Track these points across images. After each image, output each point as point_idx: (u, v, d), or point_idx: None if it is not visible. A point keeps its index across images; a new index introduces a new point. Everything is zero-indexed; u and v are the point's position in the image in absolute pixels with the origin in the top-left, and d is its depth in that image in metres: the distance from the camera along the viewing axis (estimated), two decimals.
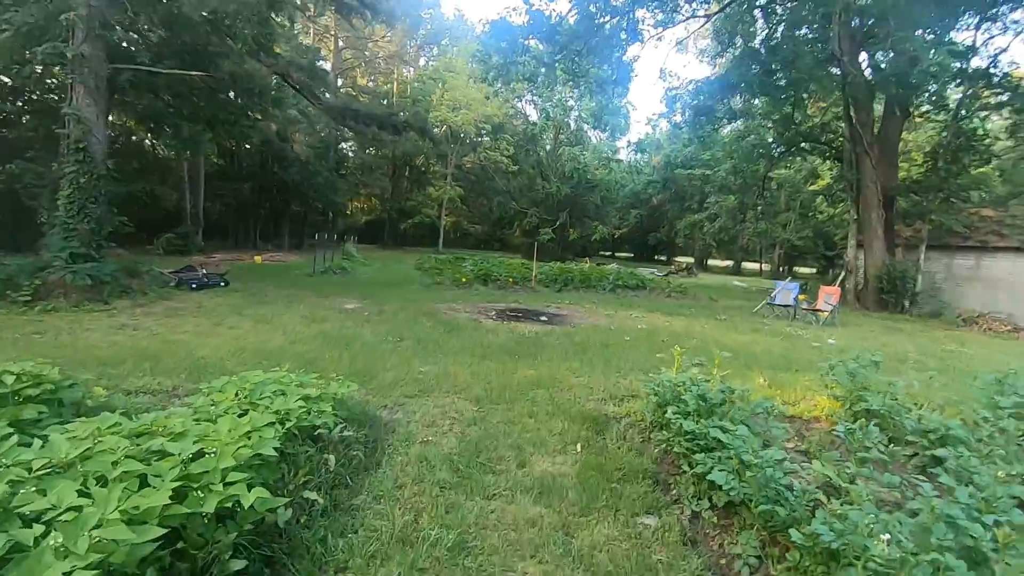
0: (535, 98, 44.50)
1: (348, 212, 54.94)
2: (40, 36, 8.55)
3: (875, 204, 14.04)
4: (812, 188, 32.93)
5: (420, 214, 43.74)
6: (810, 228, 38.21)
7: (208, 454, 2.52)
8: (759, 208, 22.00)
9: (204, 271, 12.07)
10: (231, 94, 11.20)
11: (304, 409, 3.43)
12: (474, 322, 9.39)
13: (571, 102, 42.31)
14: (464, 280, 15.68)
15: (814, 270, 57.32)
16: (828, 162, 18.81)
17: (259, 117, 11.78)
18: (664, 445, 3.78)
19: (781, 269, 42.27)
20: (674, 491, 3.48)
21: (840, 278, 14.78)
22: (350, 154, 48.32)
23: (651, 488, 3.47)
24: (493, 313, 10.69)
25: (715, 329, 10.10)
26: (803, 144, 18.23)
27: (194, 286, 11.10)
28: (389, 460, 3.67)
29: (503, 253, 44.58)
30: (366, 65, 45.98)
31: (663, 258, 63.41)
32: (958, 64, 11.40)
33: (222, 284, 11.90)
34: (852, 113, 13.91)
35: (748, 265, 51.09)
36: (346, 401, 4.11)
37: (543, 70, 18.43)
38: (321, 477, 3.18)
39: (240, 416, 3.19)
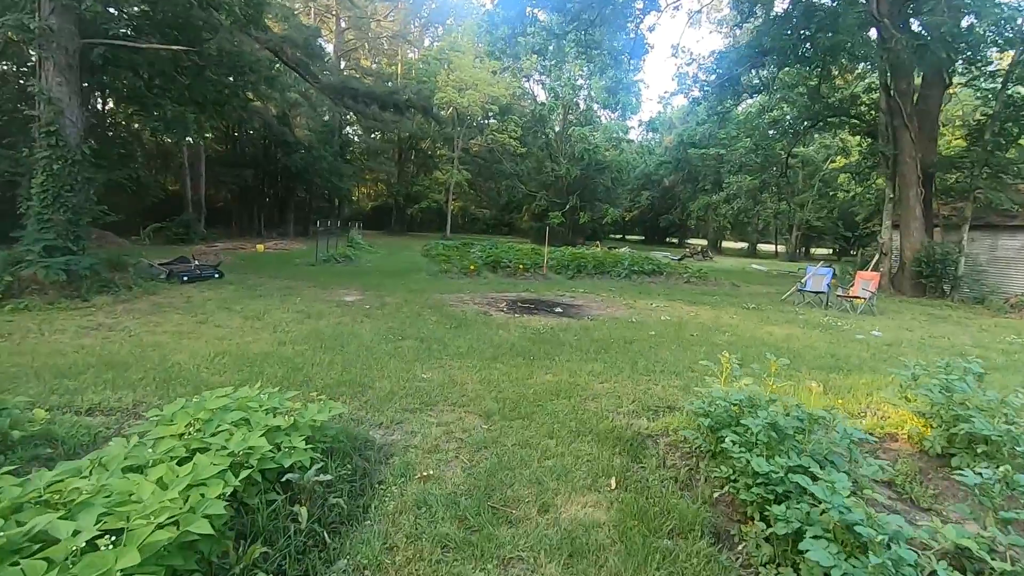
0: (543, 77, 43.21)
1: (354, 198, 54.31)
2: (3, 8, 7.78)
3: (914, 181, 13.00)
4: (832, 166, 31.62)
5: (427, 199, 42.90)
6: (829, 208, 36.94)
7: (111, 537, 1.79)
8: (781, 187, 20.83)
9: (197, 262, 11.39)
10: (220, 73, 10.36)
11: (270, 448, 2.70)
12: (483, 316, 8.64)
13: (580, 81, 40.97)
14: (472, 268, 14.92)
15: (829, 251, 55.97)
16: (857, 137, 17.66)
17: (251, 97, 10.94)
18: (725, 487, 3.02)
19: (798, 251, 41.04)
20: (741, 548, 2.72)
21: (874, 261, 13.81)
22: (355, 139, 47.45)
23: (711, 545, 2.71)
24: (504, 305, 9.93)
25: (746, 320, 9.27)
26: (830, 118, 17.08)
27: (185, 279, 10.44)
28: (379, 507, 2.94)
29: (512, 238, 43.74)
30: (369, 47, 44.84)
31: (675, 241, 62.21)
32: (1019, 22, 10.31)
33: (216, 276, 11.23)
34: (890, 82, 12.82)
35: (763, 247, 49.84)
36: (328, 428, 3.38)
37: (553, 42, 17.34)
38: (289, 541, 2.46)
39: (182, 462, 2.48)
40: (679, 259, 26.78)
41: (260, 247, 22.09)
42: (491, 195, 52.99)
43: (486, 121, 43.27)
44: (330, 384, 4.82)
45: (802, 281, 11.74)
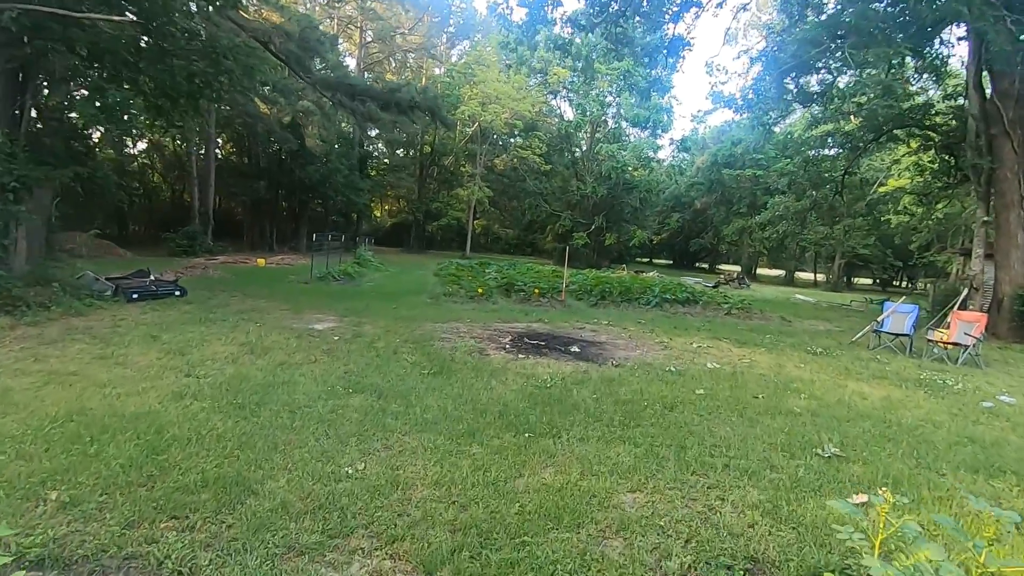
0: (571, 94, 41.79)
1: (376, 214, 53.45)
2: None
3: (1016, 201, 10.72)
4: (882, 189, 29.05)
5: (447, 216, 41.49)
6: (877, 235, 34.14)
7: None
8: (835, 209, 18.48)
9: (154, 277, 9.81)
10: (189, 59, 8.87)
11: None
12: (477, 356, 6.75)
13: (610, 98, 39.41)
14: (480, 291, 13.07)
15: (870, 281, 52.48)
16: (929, 153, 15.40)
17: (224, 84, 9.43)
18: None
19: (841, 280, 38.15)
20: None
21: (960, 298, 11.48)
22: (375, 153, 46.68)
23: None
24: (507, 340, 8.02)
25: (818, 372, 7.16)
26: (897, 129, 14.84)
27: (135, 296, 8.84)
28: None
29: (534, 258, 41.98)
30: (395, 62, 44.23)
31: (704, 266, 59.60)
32: None
33: (176, 294, 9.62)
34: (986, 82, 10.70)
35: (800, 275, 46.94)
36: None
37: (578, 38, 15.60)
38: None
39: None
40: (714, 286, 24.53)
41: (261, 262, 20.71)
42: (514, 214, 51.48)
43: (511, 139, 41.94)
44: (187, 486, 2.97)
45: (878, 320, 9.54)
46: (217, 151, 33.51)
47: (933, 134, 14.45)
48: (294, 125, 25.99)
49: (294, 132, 25.46)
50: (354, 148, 36.77)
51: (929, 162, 15.73)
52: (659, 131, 40.90)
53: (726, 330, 10.57)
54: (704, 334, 9.83)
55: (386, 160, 48.16)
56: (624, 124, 41.43)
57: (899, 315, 9.38)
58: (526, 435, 4.07)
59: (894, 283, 51.47)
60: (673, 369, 6.55)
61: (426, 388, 5.19)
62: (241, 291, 11.68)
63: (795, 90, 15.52)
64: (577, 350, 7.58)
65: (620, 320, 11.02)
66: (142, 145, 35.17)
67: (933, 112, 13.98)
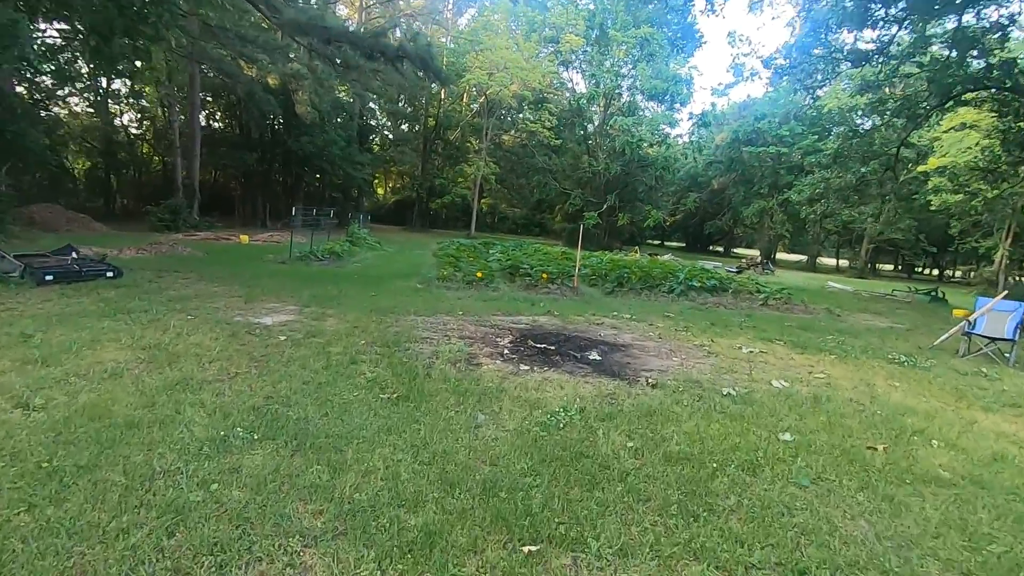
0: (583, 65, 39.37)
1: (378, 191, 51.55)
2: None
3: None
4: (921, 169, 26.74)
5: (451, 193, 39.45)
6: (911, 217, 31.83)
7: None
8: (884, 186, 16.39)
9: (76, 255, 8.10)
10: None
11: None
12: (464, 366, 5.00)
13: (625, 68, 36.98)
14: (479, 276, 11.28)
15: (890, 267, 50.14)
16: (1006, 119, 13.28)
17: (164, 18, 7.61)
18: None
19: (867, 266, 36.00)
20: None
21: None
22: (379, 127, 44.59)
23: None
24: (507, 341, 6.26)
25: (925, 396, 5.34)
26: (969, 92, 12.70)
27: (49, 278, 7.14)
28: None
29: (543, 239, 40.07)
30: (399, 30, 41.81)
31: (719, 249, 57.41)
32: None
33: (109, 275, 7.92)
34: None
35: (821, 260, 44.75)
36: None
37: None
38: None
39: None
40: (737, 271, 22.58)
41: (244, 238, 19.01)
42: (522, 193, 49.45)
43: (519, 114, 39.65)
44: None
45: (970, 320, 7.68)
46: (208, 120, 31.71)
47: (1016, 97, 12.24)
48: (283, 90, 23.97)
49: (281, 97, 23.45)
50: (353, 119, 34.76)
51: (1003, 131, 13.57)
52: (677, 104, 38.56)
53: (773, 327, 8.75)
54: (749, 333, 8.02)
55: (388, 134, 46.03)
56: (640, 97, 39.05)
57: (997, 315, 7.52)
58: (526, 546, 2.32)
59: (916, 270, 49.21)
60: (733, 393, 4.76)
61: (377, 429, 3.44)
62: (198, 272, 9.96)
63: (847, 48, 13.38)
64: (597, 357, 5.80)
65: (644, 313, 9.22)
66: (130, 116, 33.40)
67: (1016, 71, 11.81)
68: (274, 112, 21.17)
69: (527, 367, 5.20)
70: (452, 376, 4.67)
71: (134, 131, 33.96)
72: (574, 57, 38.58)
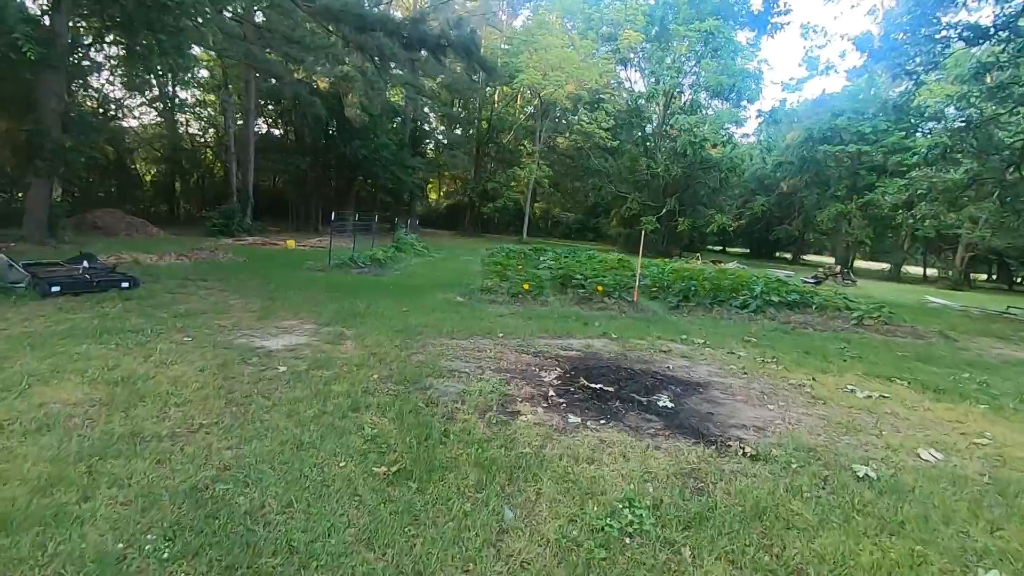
0: (642, 62, 37.61)
1: (431, 196, 51.44)
2: None
3: None
4: None
5: (503, 197, 38.48)
6: (1016, 223, 28.10)
7: None
8: (1004, 186, 13.91)
9: (86, 265, 7.53)
10: None
11: None
12: (496, 418, 3.85)
13: (687, 66, 34.96)
14: (526, 287, 10.11)
15: (983, 277, 44.99)
16: None
17: (185, 8, 6.98)
18: None
19: (963, 277, 32.23)
20: None
21: None
22: (436, 132, 44.42)
23: None
24: (553, 377, 5.07)
25: None
26: None
27: (55, 289, 6.56)
28: None
29: (597, 245, 38.53)
30: (441, 17, 41.49)
31: (787, 256, 53.69)
32: None
33: (124, 285, 7.32)
34: None
35: (906, 269, 40.74)
36: None
37: None
38: None
39: None
40: (816, 282, 20.36)
41: (291, 243, 18.73)
42: (577, 197, 48.04)
43: (575, 116, 38.25)
44: None
45: None
46: (266, 127, 32.26)
47: None
48: (334, 94, 23.77)
49: (328, 99, 23.22)
50: (406, 124, 34.54)
51: None
52: (744, 102, 36.11)
53: (883, 358, 7.11)
54: (856, 367, 6.46)
55: (441, 138, 45.75)
56: (703, 95, 36.86)
57: None
58: None
59: (1016, 280, 44.00)
60: (871, 475, 3.35)
61: (355, 537, 2.35)
62: (225, 282, 9.33)
63: (961, 24, 11.34)
64: (669, 404, 4.51)
65: (719, 336, 7.78)
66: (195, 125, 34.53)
67: None
68: (319, 114, 20.87)
69: (577, 418, 3.99)
70: (477, 435, 3.53)
71: (199, 139, 35.13)
72: (633, 55, 36.94)
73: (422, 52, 9.37)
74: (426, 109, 40.22)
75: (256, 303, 7.51)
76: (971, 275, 38.43)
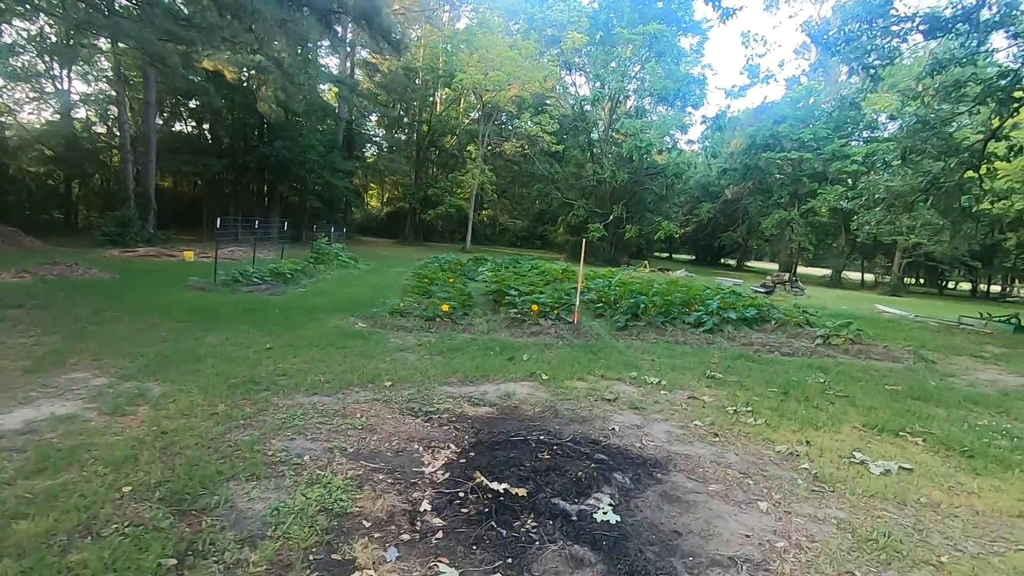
0: (587, 65, 36.70)
1: (371, 203, 48.88)
2: None
3: None
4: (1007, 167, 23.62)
5: (446, 204, 36.55)
6: (950, 228, 28.69)
7: None
8: (964, 188, 13.28)
9: None
10: None
11: None
12: None
13: (632, 70, 34.30)
14: (445, 309, 8.31)
15: (912, 281, 46.70)
16: None
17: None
18: None
19: (900, 282, 32.81)
20: None
21: None
22: (370, 134, 42.04)
23: None
24: (439, 466, 3.31)
25: None
26: None
27: None
28: None
29: (545, 252, 37.26)
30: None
31: (731, 263, 54.32)
32: None
33: None
34: None
35: (846, 275, 41.57)
36: None
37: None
38: None
39: None
40: (766, 291, 19.57)
41: (189, 255, 16.20)
42: (523, 204, 46.81)
43: (518, 120, 36.80)
44: None
45: None
46: (172, 123, 29.07)
47: None
48: (244, 87, 21.26)
49: (244, 93, 20.72)
50: (339, 124, 32.16)
51: None
52: (689, 108, 35.80)
53: (876, 399, 5.73)
54: (850, 414, 5.04)
55: (381, 141, 43.42)
56: (648, 100, 36.36)
57: None
58: None
59: (947, 285, 45.84)
60: None
61: None
62: (45, 309, 7.09)
63: (919, 17, 10.48)
64: (612, 519, 2.83)
65: (676, 371, 6.25)
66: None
67: None
68: (218, 107, 18.39)
69: (454, 571, 2.25)
70: None
71: (102, 138, 31.45)
72: (577, 58, 35.96)
73: (304, 11, 7.47)
74: (363, 112, 37.88)
75: (50, 342, 5.39)
76: (905, 280, 39.59)
